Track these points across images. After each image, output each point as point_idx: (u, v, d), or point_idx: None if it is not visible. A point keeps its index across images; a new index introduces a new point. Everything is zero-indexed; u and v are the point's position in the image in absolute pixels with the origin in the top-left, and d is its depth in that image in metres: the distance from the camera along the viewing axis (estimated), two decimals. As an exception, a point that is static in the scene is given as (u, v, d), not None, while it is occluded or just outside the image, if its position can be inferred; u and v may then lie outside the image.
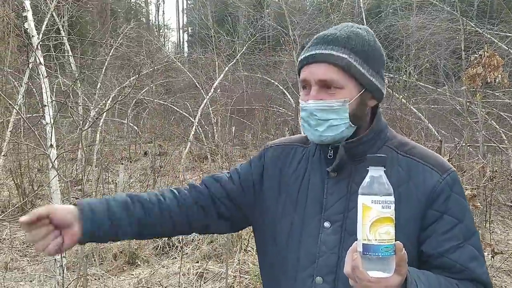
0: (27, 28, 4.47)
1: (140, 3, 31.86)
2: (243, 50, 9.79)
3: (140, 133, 12.79)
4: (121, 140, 12.69)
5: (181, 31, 35.60)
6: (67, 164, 8.52)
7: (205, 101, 8.00)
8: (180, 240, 5.38)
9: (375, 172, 0.95)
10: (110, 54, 10.71)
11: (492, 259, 4.35)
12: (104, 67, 10.45)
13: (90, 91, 10.47)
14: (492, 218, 6.99)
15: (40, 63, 4.23)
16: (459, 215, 1.13)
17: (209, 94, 7.96)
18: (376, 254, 0.91)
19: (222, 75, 8.35)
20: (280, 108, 13.53)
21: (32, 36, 4.34)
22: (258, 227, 1.33)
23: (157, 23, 32.38)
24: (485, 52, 5.72)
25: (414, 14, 9.29)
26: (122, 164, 6.60)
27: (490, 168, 5.99)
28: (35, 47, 4.27)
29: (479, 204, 2.62)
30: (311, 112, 1.15)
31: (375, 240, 0.91)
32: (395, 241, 0.93)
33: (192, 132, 8.16)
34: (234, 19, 15.16)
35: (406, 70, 7.88)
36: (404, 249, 0.93)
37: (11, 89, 7.84)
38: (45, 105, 4.07)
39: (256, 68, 13.65)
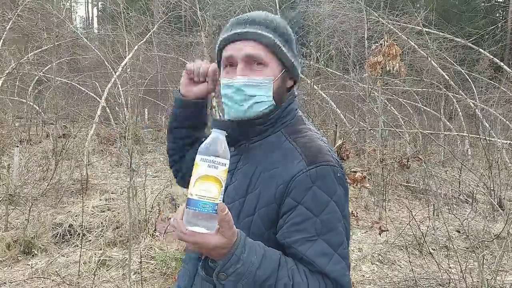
0: None
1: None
2: (154, 28, 9.43)
3: (42, 113, 11.89)
4: (20, 121, 11.71)
5: (90, 5, 33.47)
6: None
7: (112, 79, 7.60)
8: (83, 227, 5.13)
9: (215, 134, 1.00)
10: (8, 27, 9.77)
11: (379, 235, 4.73)
12: (1, 41, 9.52)
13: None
14: (389, 197, 7.57)
15: None
16: (315, 209, 1.10)
17: (117, 73, 7.57)
18: (194, 208, 0.96)
19: (131, 53, 7.98)
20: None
21: None
22: None
23: (63, -5, 30.09)
24: (385, 42, 6.09)
25: (325, 2, 9.58)
26: (17, 146, 6.07)
27: (381, 151, 6.41)
28: None
29: (368, 185, 2.80)
30: (238, 87, 1.16)
31: (196, 195, 0.96)
32: (221, 202, 0.97)
33: (98, 113, 7.74)
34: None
35: (316, 56, 8.12)
36: (227, 211, 0.96)
37: None
38: None
39: (171, 48, 13.26)
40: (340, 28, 9.31)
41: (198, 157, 0.98)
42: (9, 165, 7.69)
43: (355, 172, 2.67)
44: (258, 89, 1.17)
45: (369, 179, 5.96)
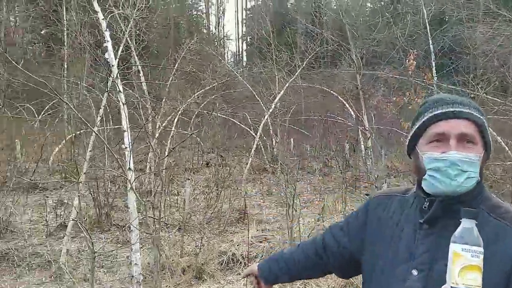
0: (107, 58, 4.83)
1: (201, 14, 32.90)
2: (303, 65, 9.89)
3: (202, 143, 13.23)
4: (184, 151, 13.18)
5: (240, 40, 36.32)
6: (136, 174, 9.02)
7: (265, 117, 8.19)
8: (244, 256, 5.57)
9: (467, 224, 1.08)
10: (175, 68, 11.22)
11: None
12: (169, 82, 10.98)
13: (158, 104, 11.02)
14: None
15: (120, 91, 4.58)
16: None
17: (270, 110, 8.14)
18: None
19: (282, 92, 8.51)
20: (340, 119, 13.41)
21: (112, 65, 4.69)
22: (363, 267, 1.51)
23: (217, 34, 33.27)
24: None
25: (480, 25, 8.94)
26: (188, 179, 6.91)
27: None
28: (114, 76, 4.62)
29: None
30: (453, 162, 1.23)
31: (463, 284, 1.03)
32: None
33: (254, 147, 8.36)
34: (293, 30, 15.29)
35: (474, 84, 7.61)
36: None
37: (88, 108, 8.45)
38: (124, 131, 4.40)
39: (315, 79, 13.67)
40: (500, 51, 8.57)
41: (458, 247, 1.06)
42: (178, 192, 8.76)
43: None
44: (470, 165, 1.23)
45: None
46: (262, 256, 5.67)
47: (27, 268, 5.28)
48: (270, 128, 12.07)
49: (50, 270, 5.21)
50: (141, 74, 8.55)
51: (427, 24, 8.37)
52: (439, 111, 1.28)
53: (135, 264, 4.10)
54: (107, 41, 4.80)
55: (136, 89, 10.27)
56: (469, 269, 1.03)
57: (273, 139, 12.21)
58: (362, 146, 10.79)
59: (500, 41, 8.47)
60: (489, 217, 1.25)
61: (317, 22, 9.62)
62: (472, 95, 7.20)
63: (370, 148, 9.50)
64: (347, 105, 12.11)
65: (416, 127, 1.34)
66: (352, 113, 11.72)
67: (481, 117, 1.28)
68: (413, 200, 1.38)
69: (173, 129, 7.52)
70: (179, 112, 8.27)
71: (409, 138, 1.38)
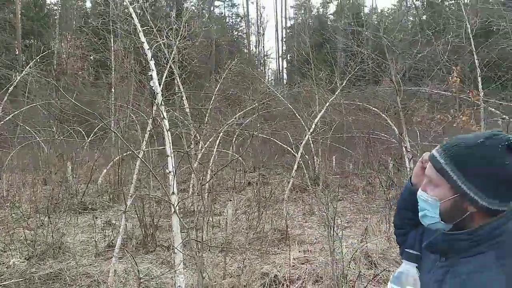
0: (152, 86, 5.04)
1: (242, 35, 33.55)
2: (343, 83, 9.88)
3: (243, 163, 13.38)
4: (226, 170, 13.38)
5: (280, 59, 36.68)
6: (179, 195, 9.25)
7: (306, 137, 8.21)
8: (286, 278, 5.56)
9: (406, 266, 1.15)
10: (216, 89, 11.50)
11: None
12: (211, 104, 11.26)
13: (200, 126, 11.31)
14: None
15: (164, 117, 4.76)
16: None
17: (311, 129, 8.16)
18: None
19: (323, 111, 8.53)
20: (383, 135, 13.17)
21: (157, 93, 4.90)
22: None
23: (258, 53, 33.78)
24: None
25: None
26: (230, 200, 7.00)
27: None
28: (159, 103, 4.82)
29: None
30: (419, 197, 1.39)
31: None
32: None
33: (295, 168, 8.38)
34: (333, 47, 15.32)
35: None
36: None
37: (135, 130, 8.81)
38: (168, 156, 4.56)
39: (355, 96, 13.56)
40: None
41: (390, 286, 1.14)
42: (221, 213, 8.88)
43: None
44: (426, 204, 1.34)
45: None
46: (304, 278, 5.64)
47: (78, 288, 5.51)
48: (312, 146, 12.05)
49: (99, 290, 5.41)
50: (184, 97, 8.82)
51: (471, 38, 8.14)
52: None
53: (179, 286, 4.20)
54: (152, 70, 5.02)
55: (179, 112, 10.64)
56: None
57: (315, 158, 12.16)
58: (407, 163, 10.55)
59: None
60: (493, 263, 1.21)
61: (356, 39, 9.58)
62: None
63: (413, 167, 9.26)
64: (389, 121, 11.91)
65: None
66: (396, 129, 11.51)
67: (442, 160, 1.29)
68: None
69: (214, 151, 7.65)
70: (220, 133, 8.42)
71: None
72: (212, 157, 7.92)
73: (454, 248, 1.29)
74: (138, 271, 3.66)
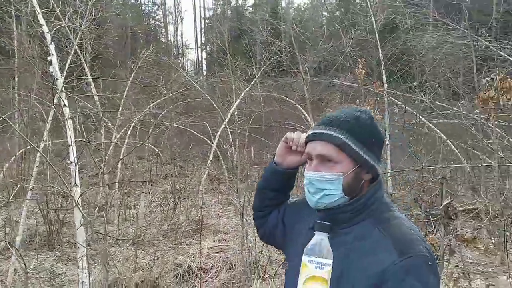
0: (52, 72, 4.72)
1: (159, 24, 32.63)
2: (258, 75, 9.99)
3: (160, 154, 13.07)
4: (143, 163, 13.00)
5: (199, 49, 36.25)
6: (88, 187, 8.80)
7: (222, 126, 8.20)
8: (200, 268, 5.53)
9: (318, 236, 1.14)
10: (130, 80, 11.07)
11: None
12: (125, 92, 10.81)
13: (113, 115, 10.81)
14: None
15: (65, 105, 4.47)
16: None
17: (226, 119, 8.15)
18: None
19: (238, 100, 8.56)
20: (298, 125, 13.55)
21: (57, 79, 4.59)
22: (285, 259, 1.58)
23: (175, 43, 33.09)
24: (497, 76, 5.76)
25: (427, 34, 9.34)
26: (143, 192, 6.80)
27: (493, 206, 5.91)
28: (59, 90, 4.52)
29: (480, 246, 2.69)
30: (310, 181, 1.33)
31: None
32: None
33: (210, 158, 8.34)
34: (251, 39, 15.44)
35: (421, 90, 7.92)
36: None
37: (36, 122, 8.19)
38: (69, 145, 4.30)
39: (273, 87, 13.81)
40: (446, 58, 8.96)
41: (305, 258, 1.11)
42: (134, 206, 8.59)
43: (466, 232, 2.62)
44: (327, 183, 1.30)
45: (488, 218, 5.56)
46: (218, 266, 5.65)
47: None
48: (230, 137, 12.06)
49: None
50: (92, 86, 8.36)
51: (376, 33, 8.63)
52: (308, 133, 1.38)
53: (82, 281, 4.00)
54: (52, 54, 4.70)
55: (92, 103, 10.07)
56: (312, 280, 1.07)
57: (233, 148, 12.20)
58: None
59: (445, 49, 8.86)
60: (373, 230, 1.28)
61: (272, 32, 9.74)
62: (416, 101, 7.49)
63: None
64: (304, 112, 12.28)
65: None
66: (310, 120, 11.90)
67: (341, 136, 1.31)
68: None
69: (126, 140, 7.37)
70: (133, 123, 8.13)
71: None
72: (123, 147, 7.61)
73: (339, 221, 1.31)
74: (25, 265, 3.43)
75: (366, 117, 1.36)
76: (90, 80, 8.25)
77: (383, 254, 1.21)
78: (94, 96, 8.03)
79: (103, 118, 8.57)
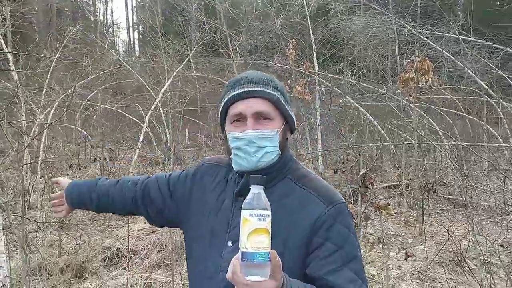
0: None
1: (87, 1, 30.97)
2: (191, 54, 9.82)
3: (89, 138, 12.52)
4: (69, 146, 12.38)
5: (131, 29, 34.90)
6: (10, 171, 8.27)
7: (153, 106, 8.00)
8: (130, 250, 5.41)
9: (255, 190, 1.12)
10: (56, 57, 10.44)
11: (406, 261, 4.80)
12: (50, 72, 10.18)
13: (36, 96, 10.17)
14: (430, 211, 7.47)
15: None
16: (340, 242, 1.26)
17: (157, 99, 7.96)
18: (252, 260, 1.07)
19: (170, 80, 8.37)
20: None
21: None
22: (185, 234, 1.52)
23: (105, 22, 31.63)
24: (417, 57, 6.10)
25: (356, 18, 9.65)
26: (67, 175, 6.49)
27: (406, 176, 6.31)
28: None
29: (393, 212, 2.87)
30: (250, 140, 1.29)
31: (251, 248, 1.07)
32: (271, 249, 1.08)
33: (141, 139, 8.12)
34: (185, 19, 15.09)
35: (350, 72, 8.21)
36: (278, 256, 1.09)
37: None
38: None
39: (208, 69, 13.65)
40: (373, 42, 9.33)
41: (246, 212, 1.09)
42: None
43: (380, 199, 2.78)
44: (267, 140, 1.30)
45: (407, 192, 5.94)
46: (149, 248, 5.57)
47: None
48: (163, 119, 11.80)
49: None
50: (11, 63, 7.79)
51: (308, 16, 8.77)
52: (235, 92, 1.33)
53: (0, 266, 3.76)
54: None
55: (12, 82, 9.37)
56: (256, 233, 1.07)
57: (166, 130, 11.96)
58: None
59: (372, 32, 9.20)
60: (295, 186, 1.34)
61: (210, 11, 9.59)
62: (343, 81, 7.74)
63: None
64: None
65: (220, 109, 1.39)
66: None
67: (275, 93, 1.33)
68: (233, 173, 1.42)
69: (47, 122, 6.96)
70: (56, 103, 7.69)
71: (218, 120, 1.43)
72: (45, 130, 7.18)
73: (266, 180, 1.30)
74: None
75: (274, 77, 1.41)
76: (9, 56, 7.66)
77: (310, 207, 1.29)
78: (13, 73, 7.47)
79: (23, 97, 8.03)
